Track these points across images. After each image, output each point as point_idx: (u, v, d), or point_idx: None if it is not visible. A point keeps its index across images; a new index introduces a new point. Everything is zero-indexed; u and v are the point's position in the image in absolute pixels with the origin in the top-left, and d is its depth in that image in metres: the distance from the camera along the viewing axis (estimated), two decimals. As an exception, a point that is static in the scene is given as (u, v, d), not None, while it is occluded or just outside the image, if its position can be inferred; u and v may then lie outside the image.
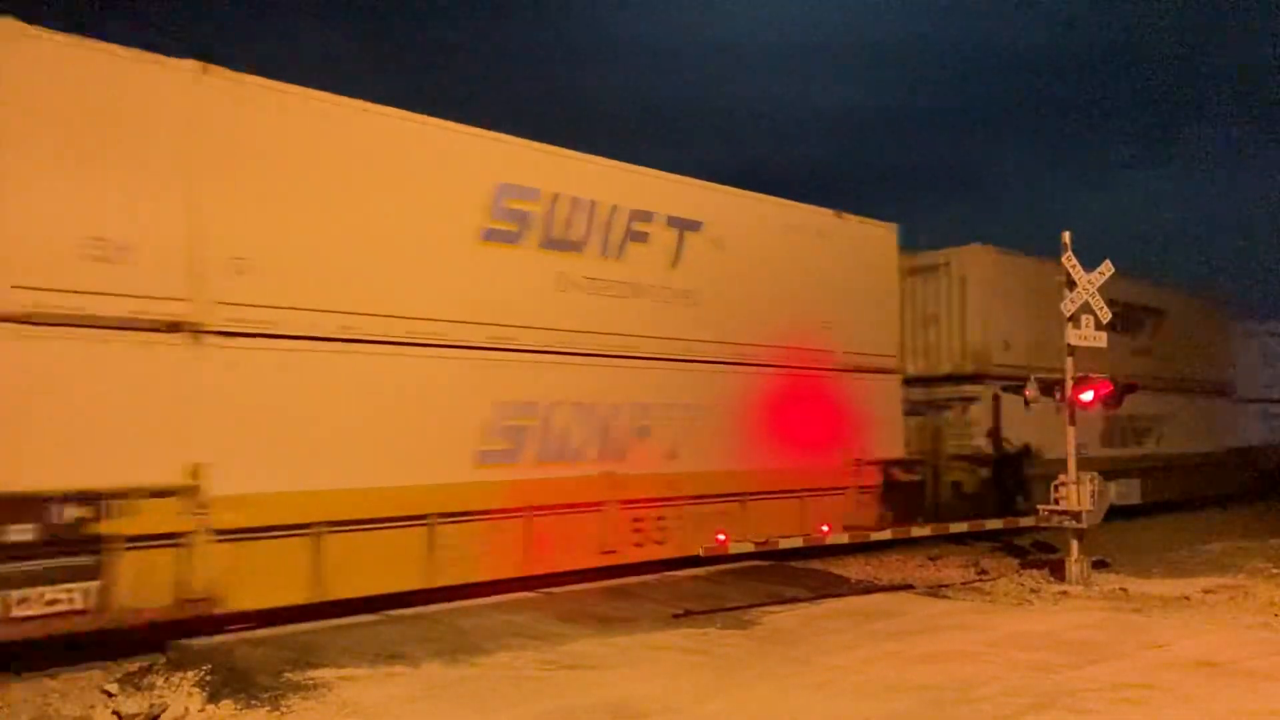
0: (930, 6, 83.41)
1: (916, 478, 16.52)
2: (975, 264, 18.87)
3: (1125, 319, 20.83)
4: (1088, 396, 13.75)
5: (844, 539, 13.47)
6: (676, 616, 10.22)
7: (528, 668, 8.09)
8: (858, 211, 17.42)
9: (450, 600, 10.44)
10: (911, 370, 18.37)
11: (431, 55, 65.16)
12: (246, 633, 8.95)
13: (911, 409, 17.82)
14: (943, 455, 17.82)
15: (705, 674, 7.96)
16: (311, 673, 7.71)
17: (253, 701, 7.08)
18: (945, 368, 18.72)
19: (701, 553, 13.01)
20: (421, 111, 11.12)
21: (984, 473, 17.91)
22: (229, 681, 7.44)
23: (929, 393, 18.64)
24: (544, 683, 7.65)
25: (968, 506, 16.87)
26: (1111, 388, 13.77)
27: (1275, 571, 13.55)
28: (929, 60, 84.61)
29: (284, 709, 6.95)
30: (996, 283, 18.82)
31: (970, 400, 18.40)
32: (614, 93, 76.49)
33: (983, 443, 18.09)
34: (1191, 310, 24.47)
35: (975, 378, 18.35)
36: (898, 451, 16.26)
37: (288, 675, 7.61)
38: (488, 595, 10.74)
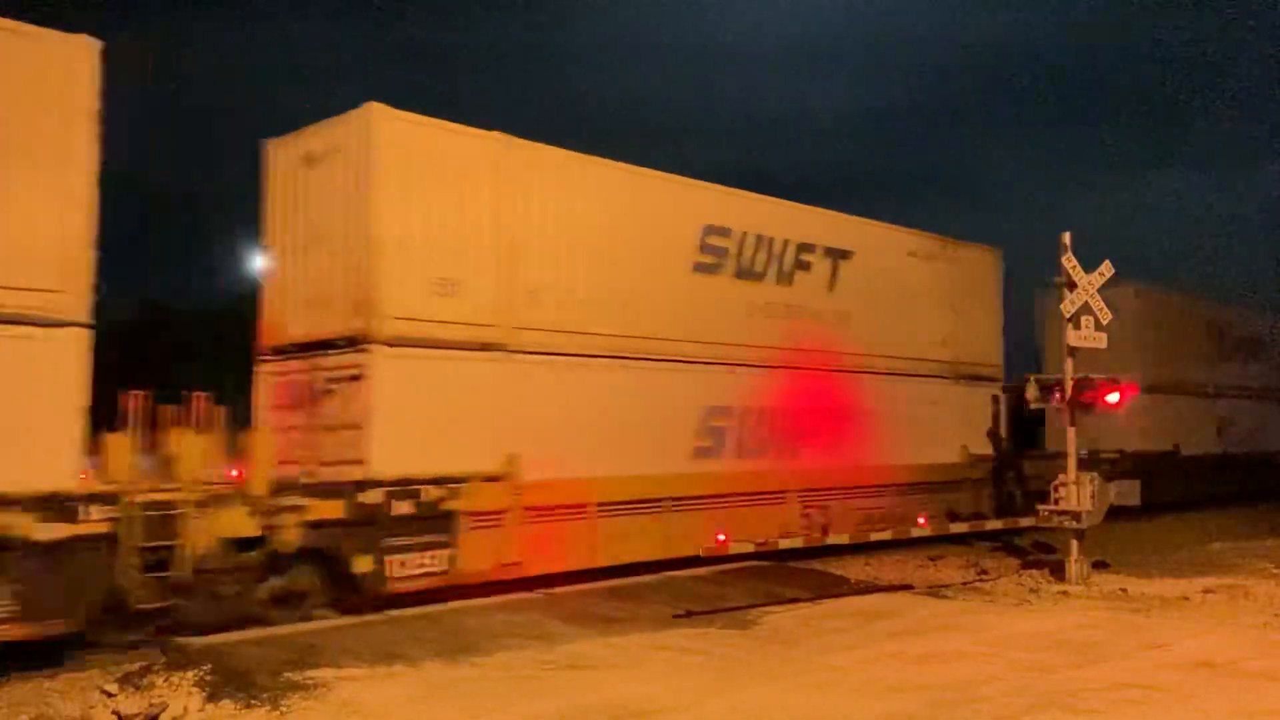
0: (932, 6, 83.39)
1: (99, 529, 8.61)
2: (380, 143, 10.82)
3: (767, 261, 14.66)
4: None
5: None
6: (677, 617, 10.21)
7: (528, 668, 8.08)
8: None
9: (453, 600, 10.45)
10: (295, 331, 11.54)
11: (428, 55, 65.23)
12: (246, 632, 8.95)
13: (292, 397, 11.38)
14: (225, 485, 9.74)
15: (706, 674, 7.95)
16: (311, 673, 7.70)
17: (253, 701, 7.08)
18: (333, 324, 11.10)
19: (702, 553, 13.08)
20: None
21: (326, 511, 9.96)
22: (229, 681, 7.43)
23: (313, 367, 11.31)
24: (544, 683, 7.65)
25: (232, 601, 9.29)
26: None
27: (1275, 571, 13.55)
28: (930, 60, 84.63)
29: (284, 709, 6.95)
30: (423, 175, 11.09)
31: (354, 379, 10.73)
32: (616, 94, 76.60)
33: (367, 453, 10.40)
34: (912, 256, 16.93)
35: (360, 341, 10.70)
36: (55, 480, 8.52)
37: (287, 675, 7.60)
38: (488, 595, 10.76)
